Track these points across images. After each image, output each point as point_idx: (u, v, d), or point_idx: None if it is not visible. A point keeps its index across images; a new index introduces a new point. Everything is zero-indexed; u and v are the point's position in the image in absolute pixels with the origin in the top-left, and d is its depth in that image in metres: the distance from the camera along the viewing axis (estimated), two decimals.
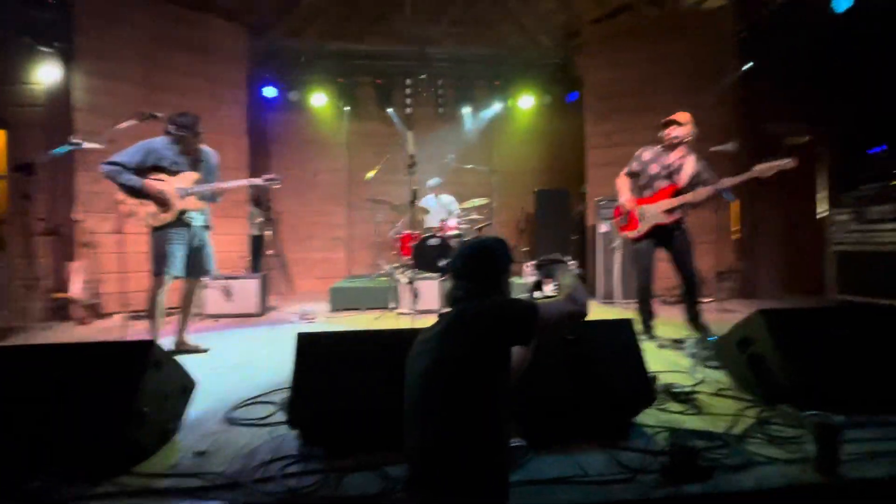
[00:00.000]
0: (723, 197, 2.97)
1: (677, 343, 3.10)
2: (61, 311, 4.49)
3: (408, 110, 6.99)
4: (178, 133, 2.99)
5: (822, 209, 5.30)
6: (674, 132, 3.20)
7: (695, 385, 2.29)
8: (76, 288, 4.43)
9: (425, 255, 5.35)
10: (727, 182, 2.98)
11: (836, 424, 1.46)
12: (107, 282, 4.74)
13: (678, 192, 3.14)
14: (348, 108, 6.91)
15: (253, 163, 6.07)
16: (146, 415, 1.64)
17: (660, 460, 1.52)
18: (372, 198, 5.96)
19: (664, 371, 2.51)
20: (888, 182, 4.05)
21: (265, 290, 4.96)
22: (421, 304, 4.58)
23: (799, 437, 1.68)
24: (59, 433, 1.55)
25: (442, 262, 5.42)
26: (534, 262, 1.54)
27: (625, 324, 1.93)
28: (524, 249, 6.88)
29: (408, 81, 6.95)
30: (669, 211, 3.13)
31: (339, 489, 1.44)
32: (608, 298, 5.21)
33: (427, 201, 6.08)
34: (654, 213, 3.18)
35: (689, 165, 3.18)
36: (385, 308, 4.90)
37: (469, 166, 6.36)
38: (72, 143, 2.91)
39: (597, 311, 4.73)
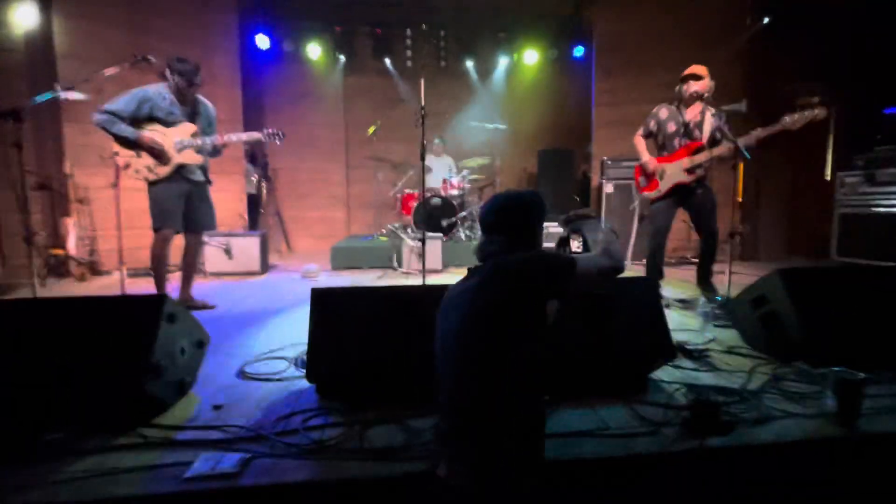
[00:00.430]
0: (743, 154, 2.88)
1: (684, 303, 3.12)
2: (59, 267, 4.41)
3: (408, 63, 6.69)
4: (177, 80, 2.81)
5: (829, 170, 5.24)
6: (693, 87, 3.09)
7: (707, 343, 2.31)
8: (72, 244, 4.33)
9: (428, 214, 5.28)
10: (753, 136, 2.88)
11: (858, 379, 1.47)
12: (104, 238, 4.64)
13: (698, 150, 3.05)
14: (345, 58, 6.59)
15: (246, 117, 5.84)
16: (162, 368, 1.62)
17: (681, 414, 1.53)
18: (373, 156, 5.80)
19: (674, 330, 2.51)
20: None
21: (266, 249, 4.89)
22: (424, 263, 4.55)
23: (814, 393, 1.70)
24: (77, 386, 1.52)
25: (445, 222, 5.36)
26: (562, 217, 1.49)
27: (646, 280, 1.91)
28: None
29: (408, 32, 6.61)
30: (690, 169, 3.06)
31: (365, 441, 1.45)
32: None
33: (428, 160, 5.93)
34: (675, 171, 3.10)
35: (708, 121, 3.09)
36: (388, 268, 4.87)
37: (472, 124, 6.19)
38: (55, 91, 2.73)
39: None
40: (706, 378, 1.92)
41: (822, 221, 4.82)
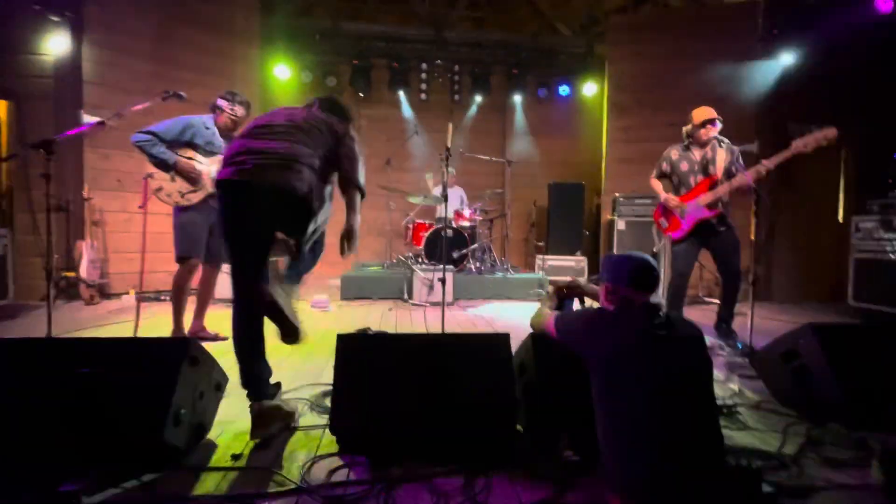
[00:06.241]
0: (756, 190, 2.86)
1: None
2: (69, 289, 4.39)
3: (422, 96, 6.83)
4: (235, 111, 2.94)
5: (842, 213, 5.24)
6: (712, 132, 3.10)
7: (733, 396, 2.24)
8: (84, 267, 4.32)
9: (440, 245, 5.27)
10: (764, 165, 2.83)
11: None
12: (115, 261, 4.64)
13: (715, 185, 3.05)
14: (361, 89, 6.72)
15: None
16: (182, 414, 1.57)
17: None
18: (385, 185, 5.83)
19: None
20: None
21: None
22: (435, 295, 4.51)
23: (855, 460, 1.63)
24: (92, 433, 1.47)
25: (456, 254, 5.34)
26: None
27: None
28: (538, 244, 6.81)
29: (423, 66, 6.78)
30: (712, 204, 3.05)
31: (390, 501, 1.38)
32: None
33: (438, 190, 5.96)
34: (695, 208, 3.08)
35: (721, 155, 3.10)
36: (398, 299, 4.83)
37: (483, 157, 6.25)
38: (89, 121, 2.77)
39: None
40: (739, 437, 1.85)
41: (838, 264, 4.78)
